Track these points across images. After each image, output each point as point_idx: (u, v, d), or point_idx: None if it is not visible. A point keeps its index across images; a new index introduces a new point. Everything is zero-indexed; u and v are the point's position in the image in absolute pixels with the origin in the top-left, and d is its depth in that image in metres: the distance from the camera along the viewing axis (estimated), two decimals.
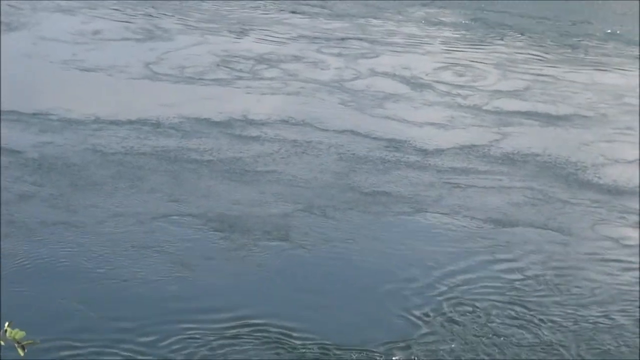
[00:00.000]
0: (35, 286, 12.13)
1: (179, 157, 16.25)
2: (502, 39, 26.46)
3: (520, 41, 26.42)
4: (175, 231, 13.71)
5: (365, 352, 10.87)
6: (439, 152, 16.81)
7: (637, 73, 23.05)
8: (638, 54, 25.16)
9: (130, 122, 18.07)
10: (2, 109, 18.47)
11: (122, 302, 11.90)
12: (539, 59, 24.37)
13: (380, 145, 17.09)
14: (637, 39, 26.47)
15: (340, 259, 13.20)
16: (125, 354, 10.75)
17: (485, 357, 11.01)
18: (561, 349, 11.19)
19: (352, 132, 17.71)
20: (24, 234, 13.39)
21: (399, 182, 15.50)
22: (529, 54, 24.91)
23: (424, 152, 16.82)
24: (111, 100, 19.77)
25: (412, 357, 10.82)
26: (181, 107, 19.03)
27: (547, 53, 25.12)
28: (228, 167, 15.94)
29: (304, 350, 10.96)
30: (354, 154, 16.61)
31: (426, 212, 14.46)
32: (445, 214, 14.34)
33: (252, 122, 18.24)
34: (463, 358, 10.91)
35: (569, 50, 25.48)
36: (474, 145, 17.10)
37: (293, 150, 16.72)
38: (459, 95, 20.40)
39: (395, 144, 17.12)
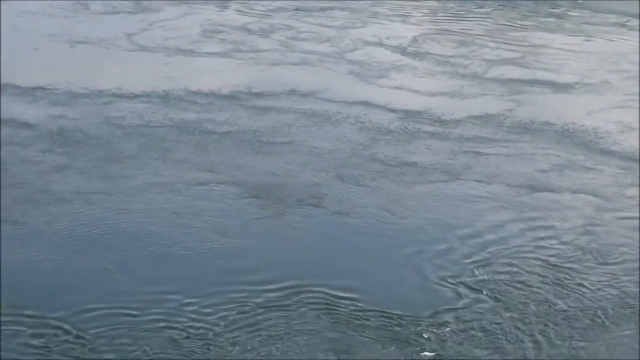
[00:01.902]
0: (76, 253, 12.08)
1: (199, 129, 16.18)
2: (482, 8, 26.58)
3: (500, 10, 26.59)
4: (212, 199, 13.78)
5: (411, 319, 10.84)
6: (457, 122, 16.93)
7: (622, 39, 23.34)
8: (615, 21, 25.44)
9: (138, 95, 17.91)
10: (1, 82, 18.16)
11: (163, 267, 11.88)
12: (524, 28, 24.59)
13: (396, 116, 17.15)
14: (605, 7, 26.77)
15: (378, 225, 13.27)
16: (168, 318, 10.70)
17: (531, 325, 11.02)
18: (601, 314, 11.25)
19: (366, 102, 17.74)
20: (60, 203, 13.35)
21: (423, 152, 15.58)
22: (513, 23, 25.10)
23: (442, 122, 16.92)
24: (112, 73, 19.59)
25: (458, 325, 10.84)
26: (185, 80, 18.92)
27: (530, 22, 25.32)
28: (248, 138, 15.90)
29: (349, 316, 10.93)
30: (372, 124, 16.66)
31: (457, 180, 14.58)
32: (477, 180, 14.50)
33: (261, 94, 18.19)
34: (508, 326, 10.91)
35: (551, 19, 25.70)
36: (490, 115, 17.27)
37: (310, 122, 16.71)
38: (459, 64, 20.56)
39: (411, 115, 17.20)
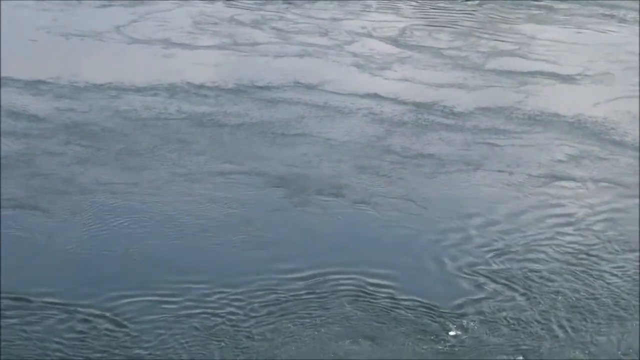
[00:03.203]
0: (103, 243, 12.07)
1: (211, 122, 16.18)
2: (470, 1, 26.71)
3: (488, 3, 26.72)
4: (234, 189, 13.82)
5: (434, 309, 10.86)
6: (468, 113, 17.03)
7: (612, 31, 23.58)
8: (603, 13, 25.68)
9: (143, 88, 17.85)
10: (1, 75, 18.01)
11: (190, 256, 11.87)
12: (514, 20, 24.75)
13: (407, 108, 17.22)
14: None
15: (401, 215, 13.31)
16: (197, 305, 10.70)
17: (555, 314, 11.08)
18: (623, 304, 11.30)
19: (375, 95, 17.81)
20: (85, 194, 13.38)
21: (438, 144, 15.67)
22: (503, 15, 25.24)
23: (454, 113, 17.01)
24: (112, 66, 19.52)
25: (480, 316, 10.85)
26: (187, 73, 18.89)
27: (519, 14, 25.50)
28: (262, 130, 15.92)
29: (374, 304, 10.95)
30: (384, 116, 16.71)
31: (477, 170, 14.65)
32: (498, 171, 14.53)
33: (268, 87, 18.19)
34: (531, 316, 10.94)
35: (540, 11, 25.88)
36: (500, 107, 17.40)
37: (322, 113, 16.74)
38: (457, 56, 20.71)
39: (422, 106, 17.29)
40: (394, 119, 16.66)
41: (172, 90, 17.74)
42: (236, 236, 12.40)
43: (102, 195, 13.27)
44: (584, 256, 12.19)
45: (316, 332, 10.30)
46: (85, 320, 10.24)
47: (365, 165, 14.71)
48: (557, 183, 14.39)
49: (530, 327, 10.59)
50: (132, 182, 13.67)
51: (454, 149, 15.52)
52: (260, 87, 18.16)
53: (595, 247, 12.50)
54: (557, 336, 10.38)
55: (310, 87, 18.21)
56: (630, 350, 10.28)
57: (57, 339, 9.90)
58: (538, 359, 10.04)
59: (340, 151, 15.21)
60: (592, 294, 11.31)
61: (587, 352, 10.15)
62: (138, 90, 17.73)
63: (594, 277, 11.79)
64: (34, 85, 17.67)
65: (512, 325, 10.56)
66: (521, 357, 10.06)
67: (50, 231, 12.16)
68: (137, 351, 9.79)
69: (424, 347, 10.15)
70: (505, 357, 9.97)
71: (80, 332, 9.99)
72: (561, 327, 10.58)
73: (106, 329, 10.17)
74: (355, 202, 13.58)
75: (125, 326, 10.22)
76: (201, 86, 18.03)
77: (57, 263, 11.44)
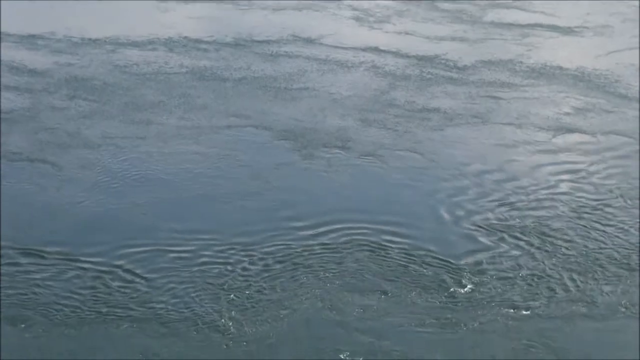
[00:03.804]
0: (111, 196, 11.92)
1: (213, 76, 16.01)
2: None
3: None
4: (241, 143, 13.67)
5: (445, 262, 10.75)
6: (471, 67, 16.91)
7: None
8: None
9: (141, 42, 17.64)
10: None
11: (201, 208, 11.74)
12: None
13: (410, 61, 17.08)
14: None
15: (410, 168, 13.16)
16: (204, 253, 10.60)
17: (563, 268, 10.96)
18: (634, 257, 11.17)
19: (375, 48, 17.66)
20: (92, 147, 13.22)
21: (443, 97, 15.54)
22: None
23: (456, 67, 16.88)
24: (105, 21, 19.26)
25: (494, 270, 10.73)
26: (185, 27, 18.67)
27: None
28: (265, 84, 15.76)
29: (385, 257, 10.80)
30: (387, 70, 16.56)
31: (485, 123, 14.50)
32: (506, 124, 14.42)
33: (269, 41, 18.00)
34: (542, 269, 10.83)
35: None
36: (502, 60, 17.29)
37: (324, 68, 16.58)
38: (454, 9, 20.51)
39: (425, 60, 17.15)
40: (396, 73, 16.51)
41: (170, 44, 17.51)
42: (244, 189, 12.23)
43: (109, 149, 13.08)
44: (594, 209, 12.08)
45: (326, 284, 10.15)
46: (97, 273, 10.06)
47: (371, 118, 14.58)
48: (566, 136, 14.28)
49: (542, 281, 10.47)
50: (139, 136, 13.50)
51: (459, 103, 15.39)
52: (260, 41, 17.94)
53: (606, 199, 12.39)
54: (569, 290, 10.27)
55: (310, 41, 18.02)
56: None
57: (69, 293, 9.73)
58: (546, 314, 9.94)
59: (344, 105, 15.06)
60: (601, 248, 11.20)
61: (593, 305, 10.05)
62: (136, 44, 17.50)
63: (603, 231, 11.67)
64: (29, 40, 17.39)
65: (524, 280, 10.45)
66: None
67: (60, 185, 11.95)
68: (151, 304, 9.62)
69: (434, 301, 10.02)
70: (512, 310, 9.85)
71: (92, 287, 9.82)
72: (572, 280, 10.48)
73: (120, 282, 10.00)
74: (363, 155, 13.40)
75: (137, 280, 10.06)
76: (199, 40, 17.81)
77: (67, 218, 11.24)
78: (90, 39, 17.67)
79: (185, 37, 17.87)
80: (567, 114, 15.16)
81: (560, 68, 17.06)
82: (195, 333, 9.06)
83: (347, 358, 8.96)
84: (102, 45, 17.35)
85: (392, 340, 9.12)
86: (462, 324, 9.39)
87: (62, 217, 11.25)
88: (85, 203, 11.65)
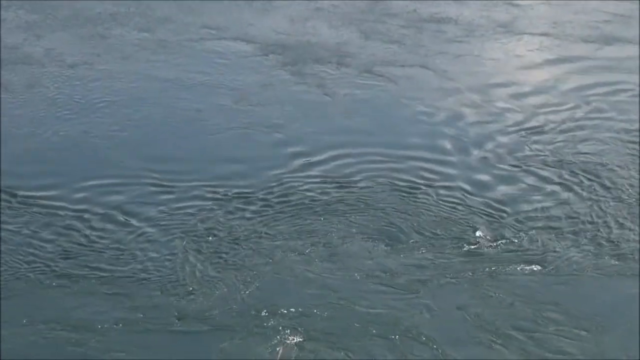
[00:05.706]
0: (66, 121, 9.47)
1: None
2: None
3: None
4: (221, 59, 11.24)
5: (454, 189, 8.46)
6: None
7: None
8: None
9: None
10: None
11: (193, 131, 9.39)
12: None
13: None
14: None
15: (417, 84, 10.74)
16: (207, 184, 8.33)
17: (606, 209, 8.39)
18: None
19: None
20: (40, 66, 10.57)
21: (453, 4, 13.00)
22: None
23: None
24: None
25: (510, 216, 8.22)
26: None
27: None
28: None
29: (399, 191, 8.41)
30: None
31: (511, 34, 12.03)
32: (533, 34, 11.96)
33: None
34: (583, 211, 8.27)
35: None
36: None
37: None
38: None
39: None
40: None
41: None
42: (227, 114, 9.79)
43: (57, 67, 10.51)
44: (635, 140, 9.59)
45: (343, 222, 7.84)
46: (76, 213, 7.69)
47: (369, 30, 12.12)
48: (609, 48, 11.82)
49: (579, 221, 8.02)
50: (94, 52, 10.94)
51: (473, 11, 12.94)
52: None
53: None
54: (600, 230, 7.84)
55: None
56: None
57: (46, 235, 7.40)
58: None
59: (334, 16, 12.79)
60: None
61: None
62: None
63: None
64: None
65: (563, 222, 7.99)
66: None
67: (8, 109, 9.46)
68: (133, 245, 7.37)
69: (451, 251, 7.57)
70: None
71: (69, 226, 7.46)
72: (607, 227, 8.02)
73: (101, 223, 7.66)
74: (362, 72, 10.95)
75: (124, 223, 7.72)
76: None
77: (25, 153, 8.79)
78: None
79: None
80: (606, 21, 12.66)
81: None
82: None
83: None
84: None
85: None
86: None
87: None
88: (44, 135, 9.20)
